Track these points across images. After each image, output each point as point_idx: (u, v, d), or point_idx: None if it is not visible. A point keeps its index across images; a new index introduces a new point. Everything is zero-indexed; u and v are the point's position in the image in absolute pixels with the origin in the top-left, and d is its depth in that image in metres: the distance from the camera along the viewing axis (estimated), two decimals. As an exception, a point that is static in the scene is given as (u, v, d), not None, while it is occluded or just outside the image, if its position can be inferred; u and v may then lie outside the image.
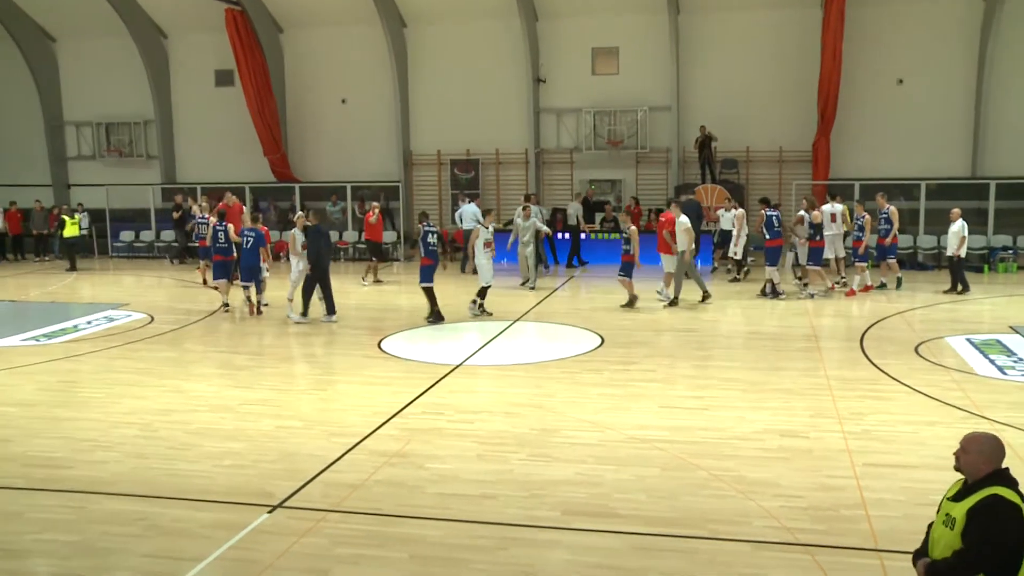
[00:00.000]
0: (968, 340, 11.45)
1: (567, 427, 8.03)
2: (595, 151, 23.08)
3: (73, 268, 20.67)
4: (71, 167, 26.48)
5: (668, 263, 14.85)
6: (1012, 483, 3.66)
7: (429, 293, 13.23)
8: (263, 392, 9.44)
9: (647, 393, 9.17)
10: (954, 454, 3.80)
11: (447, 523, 6.02)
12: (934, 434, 7.61)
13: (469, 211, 20.49)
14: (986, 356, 10.52)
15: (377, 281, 17.75)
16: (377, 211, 18.10)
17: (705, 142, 21.33)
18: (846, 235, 16.61)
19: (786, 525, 5.92)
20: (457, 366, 10.49)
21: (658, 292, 14.79)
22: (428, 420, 8.30)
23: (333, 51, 24.51)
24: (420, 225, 13.53)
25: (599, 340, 11.97)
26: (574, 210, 20.73)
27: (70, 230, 20.93)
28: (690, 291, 15.26)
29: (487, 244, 13.85)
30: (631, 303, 14.01)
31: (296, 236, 13.58)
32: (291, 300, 13.76)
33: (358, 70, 24.46)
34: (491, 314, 13.75)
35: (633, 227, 13.91)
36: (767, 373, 9.98)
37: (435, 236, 13.45)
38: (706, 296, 14.41)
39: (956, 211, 15.46)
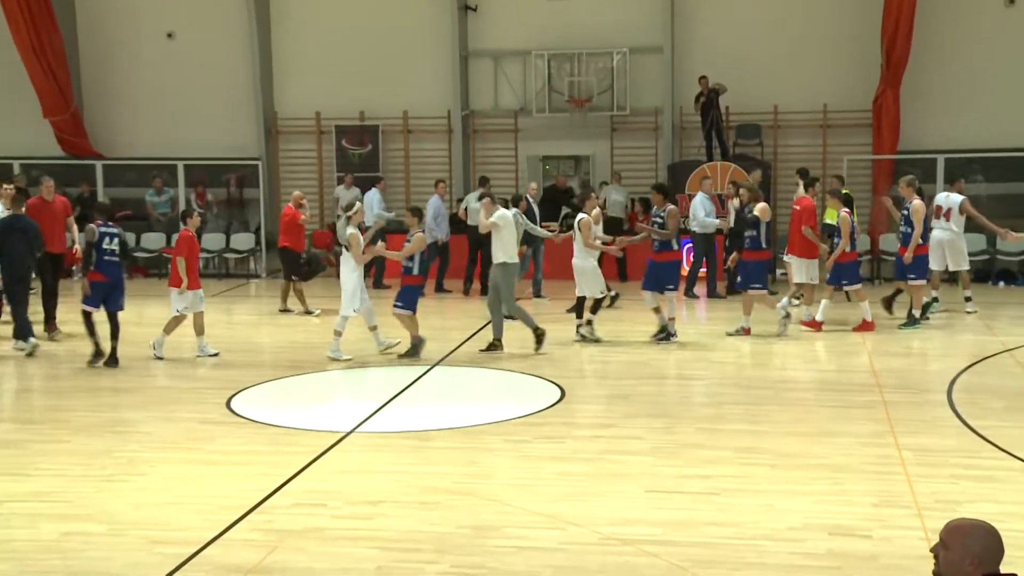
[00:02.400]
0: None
1: (512, 523, 7.96)
2: (550, 114, 23.24)
3: None
4: None
5: (800, 271, 15.66)
6: None
7: (88, 321, 13.69)
8: (42, 480, 9.17)
9: (630, 471, 9.15)
10: (932, 551, 3.81)
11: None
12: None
13: (372, 201, 20.48)
14: None
15: (286, 310, 17.83)
16: (305, 205, 18.12)
17: (711, 100, 21.64)
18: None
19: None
20: (348, 434, 10.37)
21: (796, 311, 15.75)
22: (303, 516, 8.15)
23: (155, -39, 24.36)
24: (94, 225, 13.83)
25: (558, 393, 11.95)
26: (619, 196, 20.93)
27: None
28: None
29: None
30: (415, 350, 13.89)
31: (354, 237, 13.90)
32: (338, 334, 13.96)
33: (194, -10, 24.34)
34: (599, 340, 14.78)
35: (418, 233, 13.86)
36: (808, 440, 10.04)
37: (116, 241, 13.76)
38: (494, 345, 14.22)
39: None
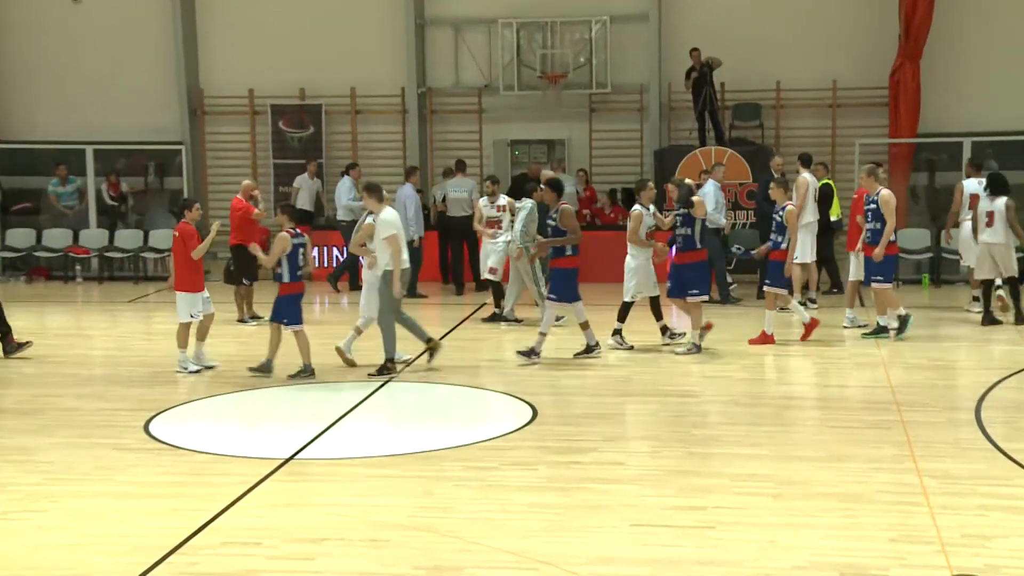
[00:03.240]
0: None
1: (475, 563, 7.95)
2: (520, 92, 23.27)
3: None
4: None
5: (859, 268, 15.73)
6: None
7: None
8: (-72, 517, 9.07)
9: (611, 502, 9.16)
10: None
11: None
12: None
13: (341, 191, 20.59)
14: None
15: (246, 318, 17.73)
16: (258, 197, 18.13)
17: (703, 76, 21.67)
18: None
19: None
20: (286, 461, 10.32)
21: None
22: (234, 557, 8.11)
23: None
24: None
25: (530, 412, 11.95)
26: (567, 186, 20.96)
27: None
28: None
29: (650, 234, 15.03)
30: (306, 371, 13.82)
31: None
32: (359, 330, 14.31)
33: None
34: (632, 347, 15.13)
35: (280, 233, 13.75)
36: (815, 466, 10.07)
37: None
38: (431, 348, 14.15)
39: None
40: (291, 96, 24.08)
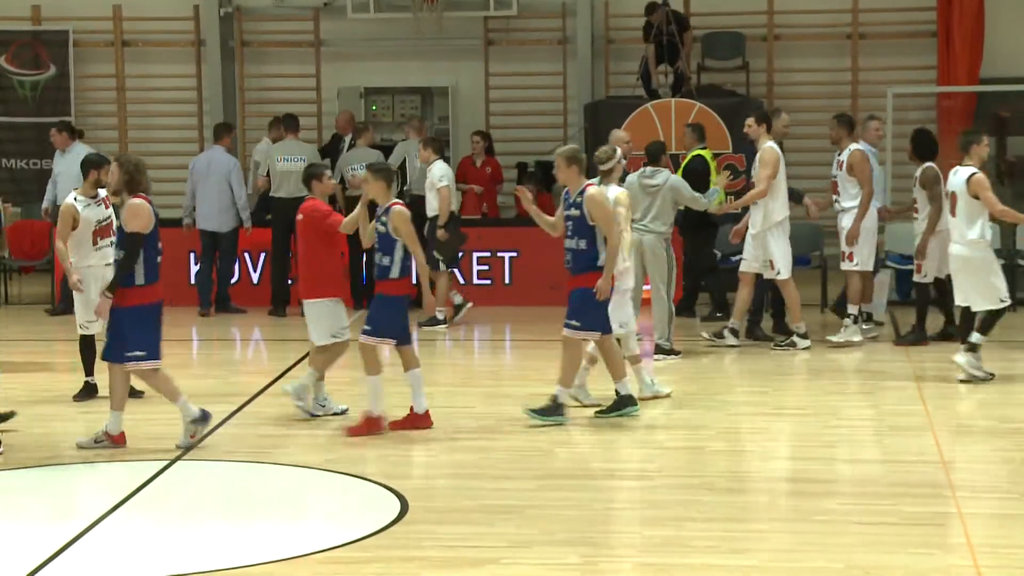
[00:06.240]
0: None
1: None
2: (378, 16, 23.32)
3: None
4: None
5: None
6: None
7: None
8: None
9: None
10: None
11: None
12: None
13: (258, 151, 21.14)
14: None
15: None
16: None
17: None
18: None
19: None
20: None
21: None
22: None
23: None
24: None
25: (397, 505, 11.93)
26: None
27: None
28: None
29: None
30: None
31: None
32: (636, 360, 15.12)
33: None
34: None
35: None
36: (832, 579, 10.16)
37: None
38: None
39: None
40: (19, 19, 23.95)
